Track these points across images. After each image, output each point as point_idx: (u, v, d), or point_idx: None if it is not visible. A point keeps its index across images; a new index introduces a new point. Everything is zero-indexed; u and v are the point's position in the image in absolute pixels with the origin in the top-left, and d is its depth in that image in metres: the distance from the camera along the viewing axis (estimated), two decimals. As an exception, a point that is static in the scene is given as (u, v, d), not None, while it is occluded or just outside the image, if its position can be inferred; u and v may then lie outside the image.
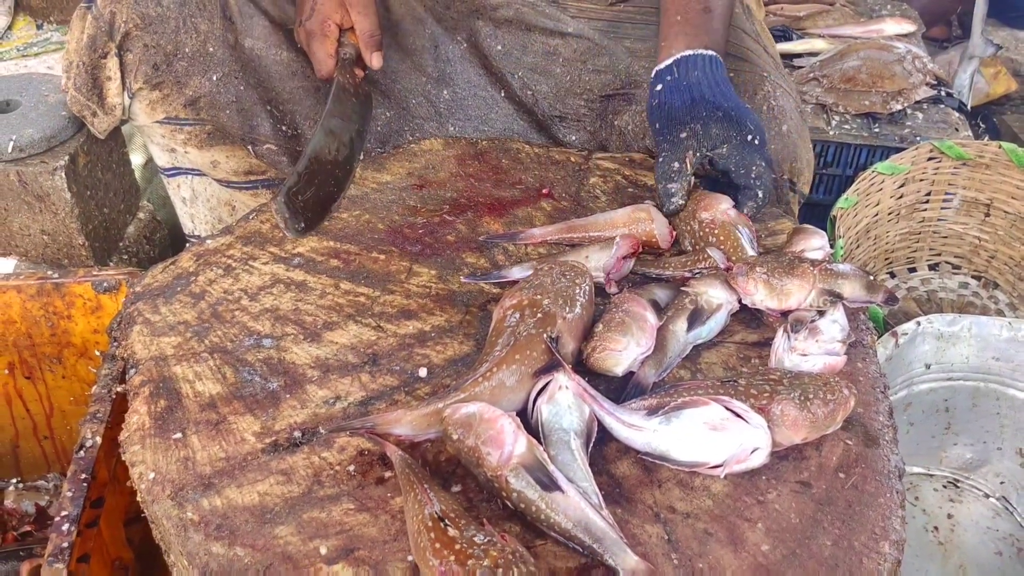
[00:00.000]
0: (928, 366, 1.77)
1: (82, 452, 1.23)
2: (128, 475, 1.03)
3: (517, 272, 1.27)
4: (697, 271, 1.26)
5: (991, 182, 2.22)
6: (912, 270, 2.38)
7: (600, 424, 1.02)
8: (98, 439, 1.24)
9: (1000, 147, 2.17)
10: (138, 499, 1.00)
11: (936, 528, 1.84)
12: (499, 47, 1.71)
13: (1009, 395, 1.79)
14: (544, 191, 1.49)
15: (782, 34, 2.88)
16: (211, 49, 1.63)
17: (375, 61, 1.58)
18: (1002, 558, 1.80)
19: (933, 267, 2.38)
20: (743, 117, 1.36)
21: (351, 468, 1.00)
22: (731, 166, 1.36)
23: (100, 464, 1.24)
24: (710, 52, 1.42)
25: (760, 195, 1.36)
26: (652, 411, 1.01)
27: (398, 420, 1.01)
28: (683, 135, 1.36)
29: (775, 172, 1.43)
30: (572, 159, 1.58)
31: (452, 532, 0.86)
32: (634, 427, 1.00)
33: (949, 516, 1.86)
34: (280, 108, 1.69)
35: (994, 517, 1.86)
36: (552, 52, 1.70)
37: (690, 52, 1.41)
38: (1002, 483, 1.86)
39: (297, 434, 1.04)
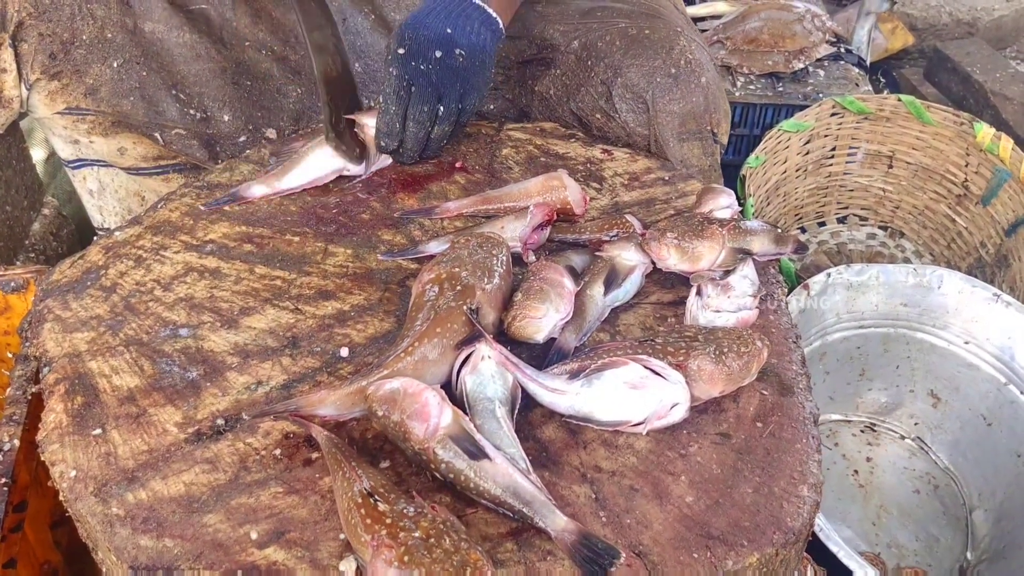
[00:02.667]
0: (839, 316, 1.82)
1: (0, 456, 1.21)
2: (50, 476, 1.01)
3: (434, 246, 1.27)
4: (611, 235, 1.28)
5: (892, 134, 2.29)
6: (822, 224, 2.44)
7: (524, 391, 1.03)
8: (16, 442, 1.21)
9: (899, 100, 2.24)
10: (60, 498, 0.98)
11: (856, 472, 1.90)
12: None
13: (918, 339, 1.85)
14: (457, 164, 1.49)
15: (685, -2, 2.91)
16: (110, 35, 1.59)
17: None
18: (920, 496, 1.88)
19: (841, 220, 2.44)
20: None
21: (277, 452, 0.99)
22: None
23: (20, 467, 1.21)
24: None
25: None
26: (574, 375, 1.03)
27: (322, 401, 1.01)
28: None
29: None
30: (484, 131, 1.58)
31: (382, 507, 0.87)
32: (557, 391, 1.02)
33: (868, 459, 1.93)
34: (186, 92, 1.65)
35: (910, 457, 1.93)
36: None
37: None
38: (916, 424, 1.94)
39: (220, 422, 1.03)
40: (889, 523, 1.83)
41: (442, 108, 1.40)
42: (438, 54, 1.38)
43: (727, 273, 1.18)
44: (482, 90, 1.44)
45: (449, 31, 1.39)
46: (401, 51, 1.38)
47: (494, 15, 1.45)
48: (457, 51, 1.39)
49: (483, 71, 1.43)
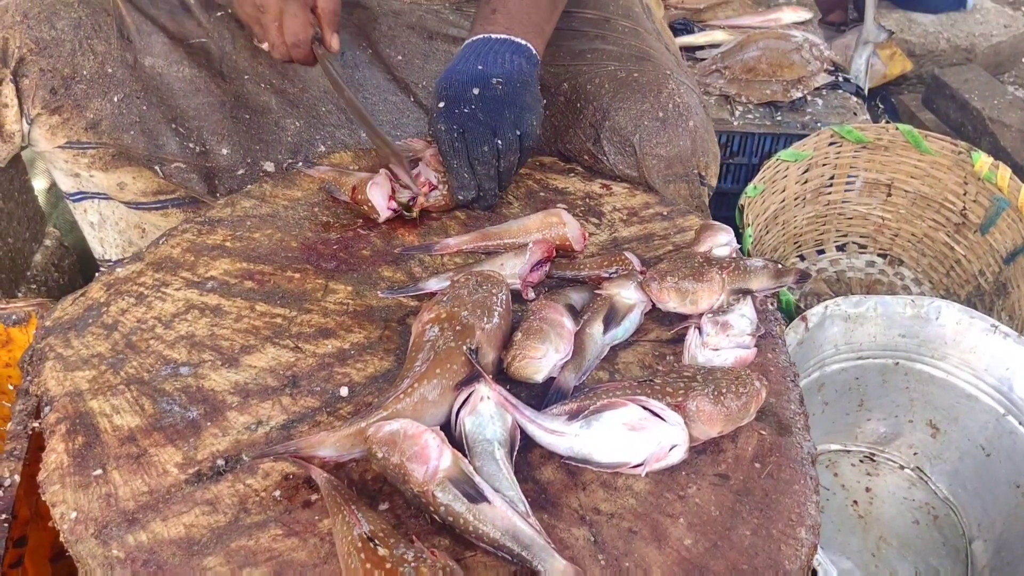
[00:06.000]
0: (838, 347, 1.83)
1: (1, 491, 1.21)
2: (50, 511, 1.02)
3: (434, 284, 1.27)
4: (611, 272, 1.28)
5: (890, 163, 2.30)
6: (821, 252, 2.45)
7: (523, 432, 1.04)
8: (16, 477, 1.21)
9: (897, 129, 2.25)
10: (61, 539, 0.99)
11: (855, 502, 1.90)
12: (399, 56, 1.71)
13: (916, 370, 1.86)
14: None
15: (683, 27, 2.93)
16: (110, 70, 1.60)
17: (335, 43, 1.52)
18: (919, 526, 1.88)
19: (840, 248, 2.45)
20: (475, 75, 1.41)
21: (277, 493, 1.00)
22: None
23: (21, 502, 1.21)
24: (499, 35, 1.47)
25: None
26: (573, 416, 1.03)
27: (322, 442, 1.01)
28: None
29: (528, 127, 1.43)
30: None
31: (382, 552, 0.87)
32: (556, 433, 1.02)
33: (867, 489, 1.93)
34: (186, 125, 1.66)
35: (910, 487, 1.93)
36: None
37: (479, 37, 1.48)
38: (915, 454, 1.94)
39: (220, 462, 1.03)
40: (889, 554, 1.83)
41: (500, 142, 1.38)
42: (476, 91, 1.39)
43: (725, 311, 1.19)
44: (533, 110, 1.43)
45: (480, 67, 1.41)
46: (442, 104, 1.40)
47: (523, 42, 1.46)
48: (494, 80, 1.39)
49: (526, 92, 1.42)
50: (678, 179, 1.60)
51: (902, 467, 1.95)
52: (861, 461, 1.97)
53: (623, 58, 1.66)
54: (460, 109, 1.38)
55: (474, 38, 1.48)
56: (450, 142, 1.39)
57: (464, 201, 1.45)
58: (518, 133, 1.40)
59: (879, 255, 2.44)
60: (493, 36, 1.46)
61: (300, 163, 1.54)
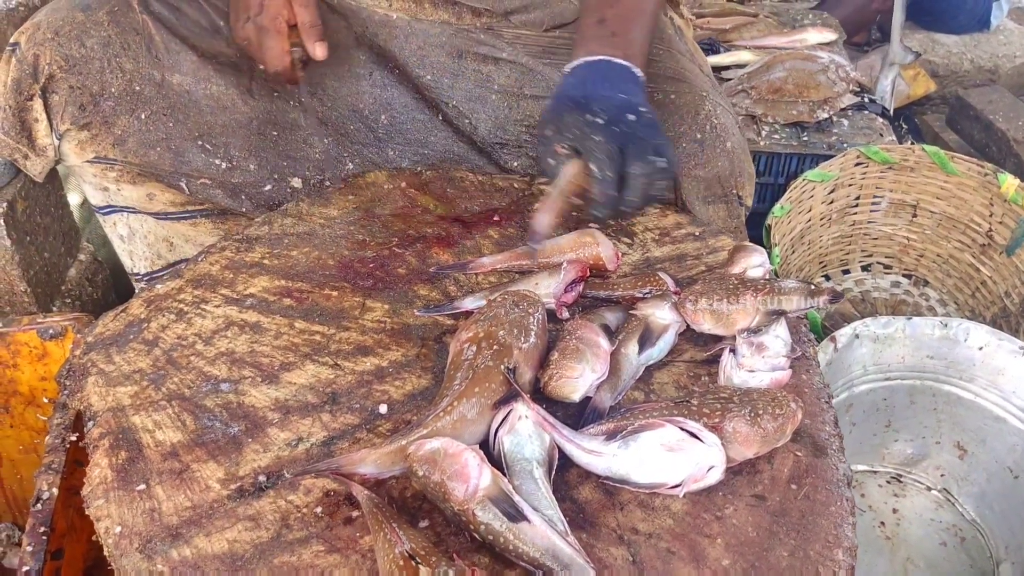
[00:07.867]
0: (866, 368, 1.83)
1: (39, 505, 1.22)
2: (86, 524, 1.03)
3: (470, 303, 1.29)
4: (644, 293, 1.29)
5: (916, 184, 2.31)
6: (846, 272, 2.45)
7: (561, 451, 1.04)
8: (54, 490, 1.23)
9: (923, 150, 2.26)
10: (105, 554, 1.00)
11: (882, 523, 1.90)
12: (428, 76, 1.73)
13: (944, 391, 1.86)
14: (495, 218, 1.51)
15: (709, 47, 2.95)
16: (138, 88, 1.62)
17: (319, 51, 1.55)
18: (946, 548, 1.87)
19: (866, 268, 2.45)
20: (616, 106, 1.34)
21: (318, 510, 1.01)
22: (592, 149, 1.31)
23: (58, 515, 1.23)
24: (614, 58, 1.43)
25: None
26: (610, 436, 1.04)
27: (362, 459, 1.02)
28: (547, 132, 1.35)
29: (667, 164, 1.34)
30: (515, 185, 1.61)
31: (424, 570, 0.88)
32: (594, 453, 1.03)
33: (894, 511, 1.92)
34: (213, 142, 1.68)
35: (937, 509, 1.93)
36: (486, 79, 1.72)
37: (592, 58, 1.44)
38: (942, 476, 1.93)
39: (262, 478, 1.04)
40: (916, 576, 1.83)
41: (659, 160, 1.31)
42: (631, 117, 1.33)
43: (760, 331, 1.20)
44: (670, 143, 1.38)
45: (623, 96, 1.37)
46: (600, 121, 1.31)
47: (639, 74, 1.44)
48: (642, 108, 1.35)
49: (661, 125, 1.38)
50: (717, 200, 1.60)
51: (929, 488, 1.95)
52: (888, 482, 1.97)
53: (659, 79, 1.67)
54: (621, 128, 1.31)
55: (595, 58, 1.43)
56: (608, 154, 1.29)
57: (601, 218, 1.35)
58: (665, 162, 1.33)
59: (904, 275, 2.44)
60: (615, 61, 1.42)
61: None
